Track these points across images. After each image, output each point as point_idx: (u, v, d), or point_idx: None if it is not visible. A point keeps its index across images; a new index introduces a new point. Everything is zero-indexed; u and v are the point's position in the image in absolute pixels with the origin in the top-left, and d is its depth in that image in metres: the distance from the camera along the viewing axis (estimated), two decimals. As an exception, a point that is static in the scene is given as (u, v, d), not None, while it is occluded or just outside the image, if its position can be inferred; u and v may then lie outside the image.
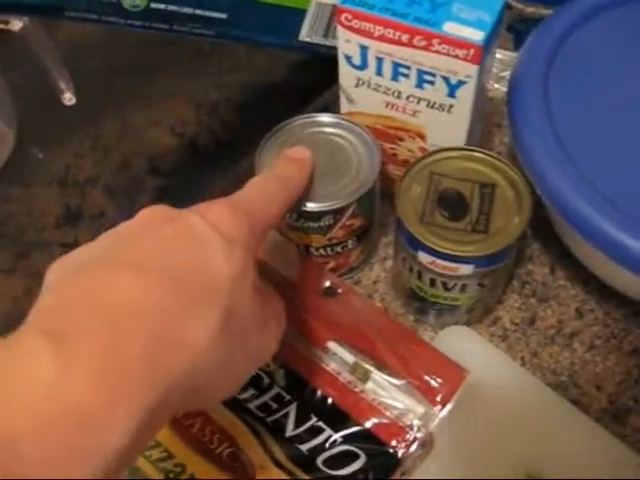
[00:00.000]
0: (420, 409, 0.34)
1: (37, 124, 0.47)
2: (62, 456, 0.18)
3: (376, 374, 0.35)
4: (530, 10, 0.47)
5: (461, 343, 0.36)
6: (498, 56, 0.46)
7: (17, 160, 0.45)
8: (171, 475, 0.32)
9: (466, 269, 0.32)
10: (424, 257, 0.33)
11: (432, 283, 0.34)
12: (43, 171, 0.46)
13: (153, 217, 0.25)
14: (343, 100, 0.38)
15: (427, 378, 0.34)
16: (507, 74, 0.43)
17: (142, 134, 0.47)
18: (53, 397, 0.18)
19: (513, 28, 0.47)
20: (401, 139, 0.38)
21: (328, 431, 0.34)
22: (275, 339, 0.29)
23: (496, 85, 0.47)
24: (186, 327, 0.22)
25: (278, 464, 0.33)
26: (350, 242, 0.37)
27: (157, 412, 0.21)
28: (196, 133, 0.47)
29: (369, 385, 0.35)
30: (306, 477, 0.32)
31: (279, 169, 0.32)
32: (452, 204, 0.33)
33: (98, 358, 0.20)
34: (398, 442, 0.33)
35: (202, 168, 0.45)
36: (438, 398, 0.34)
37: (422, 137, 0.37)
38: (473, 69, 0.32)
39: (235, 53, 0.51)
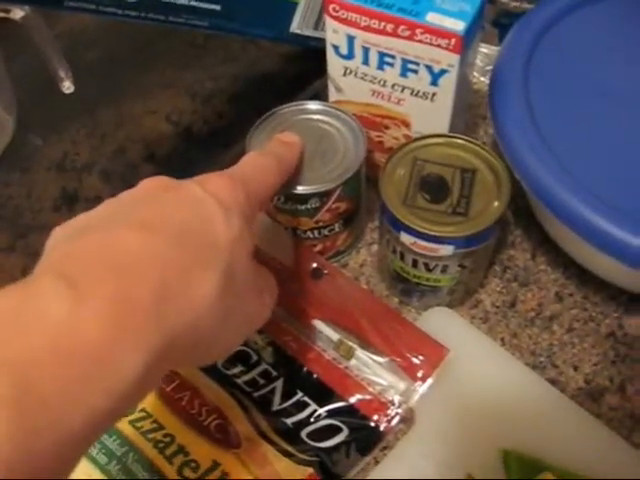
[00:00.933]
0: (402, 385, 0.35)
1: (36, 111, 0.48)
2: (70, 385, 0.19)
3: (360, 352, 0.36)
4: (514, 5, 0.48)
5: (443, 324, 0.38)
6: (483, 50, 0.48)
7: (17, 146, 0.46)
8: (160, 445, 0.33)
9: (446, 250, 0.34)
10: (406, 238, 0.34)
11: (414, 264, 0.35)
12: (42, 157, 0.47)
13: (154, 186, 0.27)
14: (332, 89, 0.40)
15: (409, 355, 0.35)
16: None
17: (138, 122, 0.48)
18: (64, 332, 0.20)
19: (498, 23, 0.48)
20: (387, 127, 0.39)
21: (313, 406, 0.35)
22: (268, 308, 0.31)
23: (482, 78, 0.48)
24: (189, 282, 0.23)
25: (264, 436, 0.34)
26: (337, 225, 0.38)
27: (160, 359, 0.22)
28: (191, 122, 0.49)
29: (353, 362, 0.36)
30: (290, 448, 0.33)
31: (271, 148, 0.34)
32: (434, 187, 0.34)
33: (107, 302, 0.21)
34: (380, 417, 0.34)
35: (196, 154, 0.46)
36: (419, 374, 0.35)
37: (407, 125, 0.39)
38: (455, 58, 0.34)
39: (229, 45, 0.53)
